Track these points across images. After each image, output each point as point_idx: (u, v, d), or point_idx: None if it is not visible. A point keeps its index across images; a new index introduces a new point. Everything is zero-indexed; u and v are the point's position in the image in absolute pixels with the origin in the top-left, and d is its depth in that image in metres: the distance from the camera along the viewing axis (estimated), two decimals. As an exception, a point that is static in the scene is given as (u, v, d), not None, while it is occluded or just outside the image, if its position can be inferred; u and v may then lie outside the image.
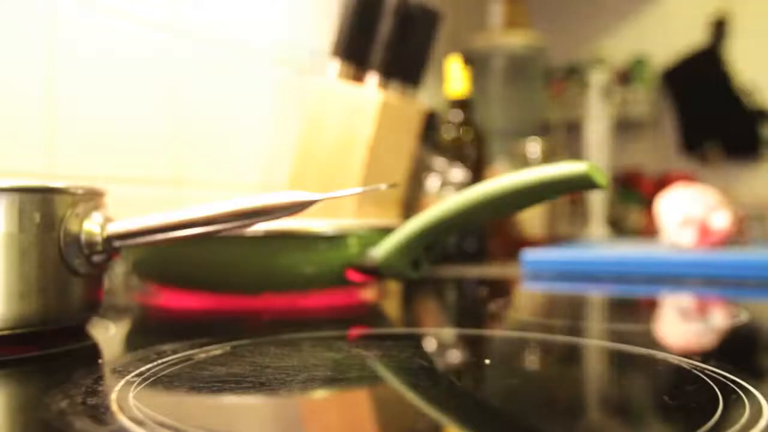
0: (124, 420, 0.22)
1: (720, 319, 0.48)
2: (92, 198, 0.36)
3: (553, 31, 1.61)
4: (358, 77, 0.78)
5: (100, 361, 0.32)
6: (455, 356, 0.35)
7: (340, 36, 0.78)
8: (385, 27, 0.78)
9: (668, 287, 0.63)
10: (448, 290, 0.64)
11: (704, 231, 0.77)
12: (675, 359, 0.31)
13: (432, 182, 0.89)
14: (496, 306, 0.54)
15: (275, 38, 0.89)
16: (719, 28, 1.67)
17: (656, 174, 1.68)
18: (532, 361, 0.34)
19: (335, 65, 0.78)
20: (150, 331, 0.43)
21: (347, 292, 0.54)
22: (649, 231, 1.44)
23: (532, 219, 1.04)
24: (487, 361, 0.33)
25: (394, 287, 0.61)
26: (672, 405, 0.25)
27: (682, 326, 0.46)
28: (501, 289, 0.65)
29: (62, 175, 0.60)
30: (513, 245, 0.95)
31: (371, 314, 0.51)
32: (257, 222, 0.34)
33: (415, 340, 0.39)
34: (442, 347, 0.37)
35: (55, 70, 0.60)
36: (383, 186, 0.37)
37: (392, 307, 0.55)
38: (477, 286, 0.66)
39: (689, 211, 0.78)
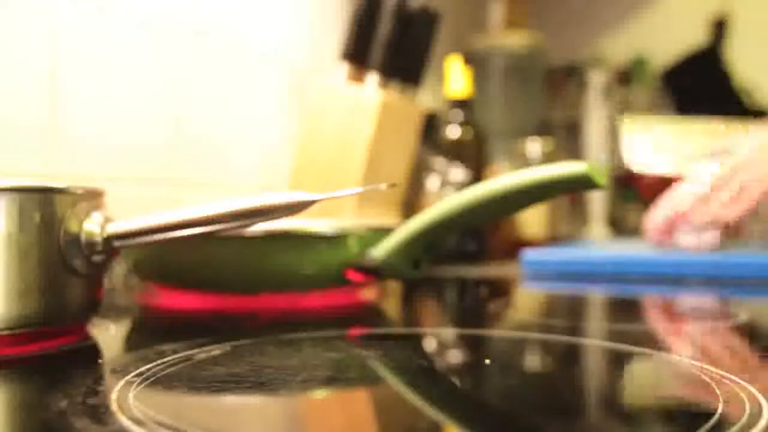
0: (124, 420, 0.22)
1: (720, 319, 0.47)
2: (92, 198, 0.36)
3: (553, 31, 1.61)
4: (358, 77, 0.78)
5: (100, 361, 0.32)
6: (455, 356, 0.35)
7: (349, 38, 0.78)
8: (385, 27, 0.77)
9: (668, 287, 0.63)
10: (448, 290, 0.64)
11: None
12: (675, 359, 0.31)
13: (432, 182, 0.89)
14: (496, 306, 0.54)
15: (276, 38, 0.89)
16: (719, 28, 1.66)
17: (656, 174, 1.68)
18: (532, 361, 0.34)
19: (343, 68, 0.78)
20: (150, 331, 0.43)
21: (347, 292, 0.54)
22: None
23: (532, 219, 1.04)
24: (487, 361, 0.33)
25: (394, 287, 0.61)
26: (672, 405, 0.25)
27: (682, 326, 0.46)
28: (501, 289, 0.65)
29: (62, 175, 0.60)
30: (513, 245, 0.95)
31: (371, 314, 0.51)
32: (257, 222, 0.34)
33: (415, 340, 0.39)
34: (442, 347, 0.37)
35: (56, 70, 0.60)
36: (383, 186, 0.37)
37: (392, 307, 0.55)
38: (477, 286, 0.66)
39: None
